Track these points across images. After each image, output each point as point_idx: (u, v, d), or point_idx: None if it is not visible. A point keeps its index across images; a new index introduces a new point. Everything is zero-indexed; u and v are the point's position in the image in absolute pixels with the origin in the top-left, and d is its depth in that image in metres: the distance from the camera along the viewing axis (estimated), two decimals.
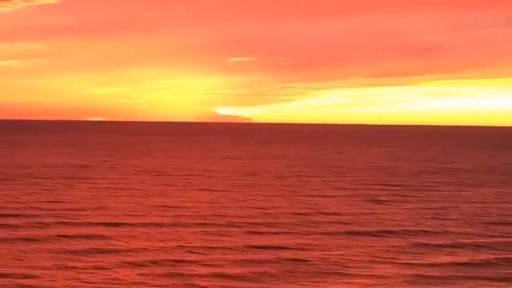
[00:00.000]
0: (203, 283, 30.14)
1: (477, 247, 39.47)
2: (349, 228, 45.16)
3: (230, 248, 37.76)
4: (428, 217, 50.38)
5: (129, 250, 36.96)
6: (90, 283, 29.92)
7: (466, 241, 41.14)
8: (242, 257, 35.63)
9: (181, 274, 31.59)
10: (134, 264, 33.55)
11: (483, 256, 37.00)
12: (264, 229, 44.24)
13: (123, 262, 34.00)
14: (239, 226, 45.13)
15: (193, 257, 35.42)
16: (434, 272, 33.20)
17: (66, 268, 32.60)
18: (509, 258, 36.54)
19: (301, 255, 36.18)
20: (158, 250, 37.16)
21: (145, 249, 37.38)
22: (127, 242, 39.22)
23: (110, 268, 32.62)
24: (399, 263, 34.92)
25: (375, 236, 42.45)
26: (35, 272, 31.54)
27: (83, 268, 32.50)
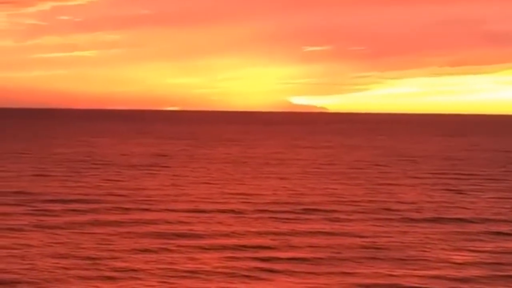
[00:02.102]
0: (282, 267, 30.81)
1: None
2: (427, 215, 45.37)
3: (307, 234, 38.39)
4: (508, 206, 50.19)
5: (209, 235, 37.88)
6: (172, 264, 30.84)
7: None
8: (320, 242, 36.20)
9: (261, 259, 32.32)
10: (215, 249, 34.41)
11: None
12: (341, 216, 44.74)
13: (205, 246, 34.89)
14: (317, 213, 45.72)
15: (271, 242, 36.13)
16: None
17: (146, 251, 33.62)
18: None
19: (379, 242, 36.59)
20: (238, 235, 37.99)
21: (225, 234, 38.27)
22: (207, 227, 40.16)
23: (192, 252, 33.53)
24: (478, 251, 35.09)
25: (454, 224, 42.61)
26: (117, 254, 32.60)
27: (164, 251, 33.48)
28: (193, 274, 29.42)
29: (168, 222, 41.68)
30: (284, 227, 40.54)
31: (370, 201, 51.69)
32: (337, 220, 43.52)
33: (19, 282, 27.90)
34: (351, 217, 44.52)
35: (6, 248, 33.91)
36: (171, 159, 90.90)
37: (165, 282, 28.17)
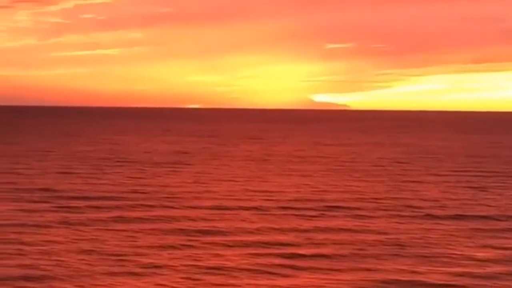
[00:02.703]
0: (305, 264, 30.94)
1: None
2: (451, 213, 45.35)
3: (330, 231, 38.49)
4: None
5: (233, 232, 38.07)
6: (196, 261, 31.05)
7: None
8: (343, 239, 36.31)
9: (284, 255, 32.45)
10: (239, 245, 34.59)
11: None
12: (364, 213, 44.81)
13: (228, 243, 35.08)
14: (339, 211, 45.81)
15: (295, 239, 36.26)
16: None
17: (171, 247, 33.85)
18: None
19: (402, 239, 36.63)
20: (261, 232, 38.15)
21: (249, 231, 38.44)
22: (231, 224, 40.35)
23: (216, 248, 33.72)
24: (502, 248, 35.06)
25: (477, 221, 42.57)
26: (141, 251, 32.84)
27: (188, 248, 33.69)
28: (217, 270, 29.61)
29: (191, 219, 41.92)
30: (307, 224, 40.68)
31: (393, 198, 51.73)
32: (360, 217, 43.60)
33: (46, 278, 28.21)
34: (374, 214, 44.58)
35: (32, 244, 34.26)
36: (193, 156, 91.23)
37: (189, 278, 28.38)
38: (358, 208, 46.86)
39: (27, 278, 28.16)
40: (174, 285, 27.37)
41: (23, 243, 34.46)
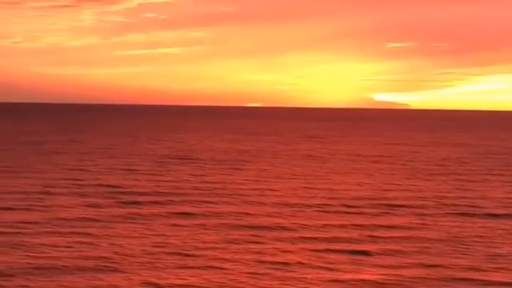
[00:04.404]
0: (369, 260, 31.10)
1: None
2: None
3: (394, 228, 38.60)
4: None
5: (296, 228, 38.36)
6: (260, 256, 31.43)
7: None
8: (406, 236, 36.39)
9: (348, 251, 32.66)
10: (302, 241, 34.89)
11: None
12: (427, 212, 44.76)
13: (292, 239, 35.40)
14: (402, 209, 45.82)
15: (358, 236, 36.42)
16: None
17: (235, 242, 34.22)
18: None
19: (465, 237, 36.61)
20: (324, 228, 38.39)
21: (312, 227, 38.72)
22: (294, 221, 40.64)
23: (280, 244, 34.04)
24: None
25: None
26: (205, 246, 33.32)
27: (252, 243, 34.08)
28: (281, 265, 29.96)
29: (255, 215, 42.35)
30: (370, 222, 40.84)
31: (456, 198, 51.54)
32: (423, 215, 43.58)
33: (115, 270, 28.85)
34: (436, 212, 44.52)
35: (101, 238, 35.02)
36: (255, 155, 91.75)
37: (254, 273, 28.76)
38: (421, 207, 46.83)
39: (97, 270, 28.86)
40: (239, 279, 27.78)
41: (92, 236, 35.26)
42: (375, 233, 37.24)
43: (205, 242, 34.48)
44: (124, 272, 28.52)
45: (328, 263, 30.52)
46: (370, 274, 28.67)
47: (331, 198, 50.39)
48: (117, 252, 31.92)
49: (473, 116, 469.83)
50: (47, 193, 50.81)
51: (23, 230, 36.71)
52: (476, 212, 44.97)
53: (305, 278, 28.02)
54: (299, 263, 30.43)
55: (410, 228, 39.05)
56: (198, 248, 33.04)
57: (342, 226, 39.44)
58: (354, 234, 37.05)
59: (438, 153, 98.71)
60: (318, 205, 46.74)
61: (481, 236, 37.03)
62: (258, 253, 32.19)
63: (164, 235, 36.21)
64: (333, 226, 39.42)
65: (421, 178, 64.84)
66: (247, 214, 42.95)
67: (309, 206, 46.55)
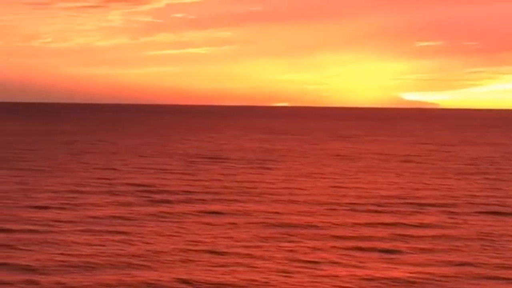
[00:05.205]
0: (401, 257, 31.18)
1: None
2: None
3: (425, 227, 38.62)
4: None
5: (327, 227, 38.46)
6: (292, 253, 31.59)
7: None
8: (437, 234, 36.40)
9: (380, 250, 32.74)
10: (334, 239, 35.00)
11: None
12: (457, 210, 44.71)
13: (323, 237, 35.52)
14: (432, 207, 45.78)
15: (388, 234, 36.48)
16: None
17: (266, 241, 34.37)
18: None
19: (497, 236, 36.55)
20: (355, 227, 38.47)
21: (343, 226, 38.81)
22: (325, 219, 40.73)
23: (311, 242, 34.20)
24: None
25: None
26: (237, 244, 33.51)
27: (283, 241, 34.23)
28: (313, 264, 30.10)
29: (285, 214, 42.48)
30: (401, 220, 40.86)
31: (486, 196, 51.42)
32: (453, 213, 43.55)
33: (146, 268, 29.14)
34: (467, 211, 44.45)
35: (133, 235, 35.36)
36: (284, 154, 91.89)
37: (285, 271, 28.92)
38: (452, 206, 46.77)
39: (130, 267, 29.16)
40: (270, 277, 27.95)
41: (124, 234, 35.60)
42: (405, 232, 37.29)
43: (236, 241, 34.69)
44: (156, 270, 28.79)
45: (359, 261, 30.62)
46: (401, 272, 28.74)
47: (361, 197, 50.44)
48: (149, 249, 32.22)
49: (503, 115, 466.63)
50: (79, 192, 51.32)
51: (57, 228, 37.17)
52: (507, 211, 44.85)
53: (337, 276, 28.14)
54: (331, 261, 30.56)
55: (440, 227, 39.05)
56: (229, 246, 33.25)
57: (372, 224, 39.52)
58: (385, 232, 37.11)
59: (468, 153, 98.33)
60: (348, 204, 46.81)
61: None
62: (289, 251, 32.35)
63: (195, 233, 36.48)
64: (364, 224, 39.50)
65: (451, 178, 64.69)
66: (278, 213, 43.12)
67: (340, 205, 46.64)
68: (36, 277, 27.39)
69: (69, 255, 30.98)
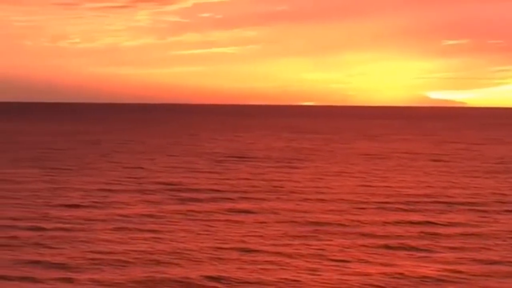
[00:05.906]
0: (433, 255, 31.22)
1: None
2: None
3: (454, 225, 38.62)
4: None
5: (357, 225, 38.54)
6: (321, 251, 31.72)
7: None
8: (467, 232, 36.39)
9: (409, 248, 32.80)
10: (363, 238, 35.09)
11: None
12: (486, 209, 44.62)
13: (352, 236, 35.60)
14: (461, 206, 45.72)
15: (418, 233, 36.52)
16: None
17: (295, 239, 34.48)
18: None
19: None
20: (385, 226, 38.52)
21: (373, 224, 38.89)
22: (354, 218, 40.80)
23: (340, 241, 34.29)
24: None
25: None
26: (266, 242, 33.65)
27: (312, 240, 34.36)
28: (342, 262, 30.22)
29: (313, 213, 42.60)
30: (430, 219, 40.86)
31: None
32: (483, 212, 43.49)
33: (174, 265, 29.40)
34: (496, 210, 44.38)
35: (162, 233, 35.66)
36: (311, 153, 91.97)
37: (314, 269, 29.05)
38: (481, 204, 46.69)
39: (160, 264, 29.46)
40: (300, 275, 28.11)
41: (154, 232, 35.91)
42: (434, 230, 37.31)
43: (265, 239, 34.87)
44: (185, 267, 29.04)
45: (388, 259, 30.70)
46: (431, 270, 28.80)
47: (390, 195, 50.46)
48: (178, 247, 32.48)
49: None
50: (110, 190, 51.75)
51: (88, 227, 37.56)
52: None
53: (366, 274, 28.25)
54: (359, 259, 30.67)
55: (470, 225, 39.03)
56: (258, 244, 33.44)
57: (401, 223, 39.57)
58: (414, 231, 37.15)
59: (496, 151, 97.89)
60: (377, 203, 46.85)
61: None
62: (318, 249, 32.48)
63: (224, 231, 36.71)
64: (393, 223, 39.55)
65: (480, 176, 64.51)
66: (306, 211, 43.26)
67: (368, 203, 46.70)
68: (69, 275, 27.74)
69: (100, 252, 31.34)
